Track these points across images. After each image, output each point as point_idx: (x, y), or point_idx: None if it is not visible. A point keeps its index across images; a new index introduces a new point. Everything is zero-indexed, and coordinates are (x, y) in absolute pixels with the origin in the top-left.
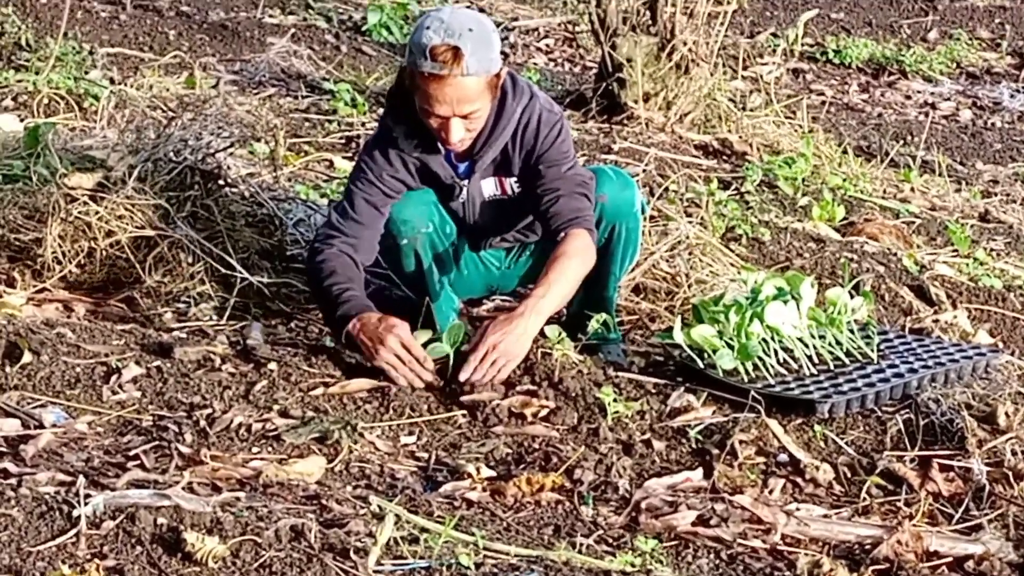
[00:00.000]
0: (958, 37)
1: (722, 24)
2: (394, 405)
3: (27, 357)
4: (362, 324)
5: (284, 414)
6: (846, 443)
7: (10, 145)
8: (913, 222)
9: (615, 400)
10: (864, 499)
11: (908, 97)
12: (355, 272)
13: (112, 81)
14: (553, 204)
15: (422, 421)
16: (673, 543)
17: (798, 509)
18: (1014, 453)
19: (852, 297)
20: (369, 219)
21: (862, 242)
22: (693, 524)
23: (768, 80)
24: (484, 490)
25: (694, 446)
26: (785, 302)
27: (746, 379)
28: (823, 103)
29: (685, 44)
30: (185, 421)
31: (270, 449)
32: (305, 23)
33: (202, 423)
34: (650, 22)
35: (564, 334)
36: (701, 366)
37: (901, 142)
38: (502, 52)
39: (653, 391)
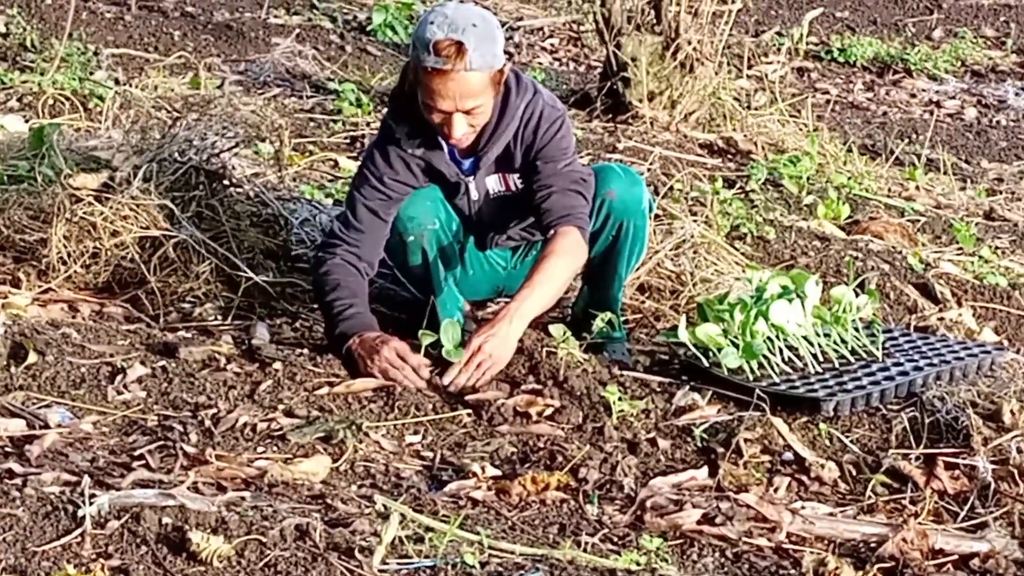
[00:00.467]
0: (963, 35)
1: (727, 23)
2: (399, 404)
3: (32, 357)
4: (360, 341)
5: (289, 414)
6: (851, 441)
7: (15, 146)
8: (918, 220)
9: (620, 399)
10: (869, 497)
11: (913, 95)
12: (359, 284)
13: (117, 82)
14: (546, 200)
15: (427, 420)
16: (678, 541)
17: (803, 507)
18: (1019, 451)
19: (857, 295)
20: (372, 226)
21: (867, 240)
22: (698, 523)
23: (773, 79)
24: (489, 489)
25: (699, 445)
26: (790, 300)
27: (751, 377)
28: (828, 102)
29: (690, 43)
30: (190, 421)
31: (275, 449)
32: (310, 23)
33: (207, 423)
34: (654, 21)
35: (569, 333)
36: (706, 365)
37: (906, 140)
38: (506, 51)
39: (658, 390)
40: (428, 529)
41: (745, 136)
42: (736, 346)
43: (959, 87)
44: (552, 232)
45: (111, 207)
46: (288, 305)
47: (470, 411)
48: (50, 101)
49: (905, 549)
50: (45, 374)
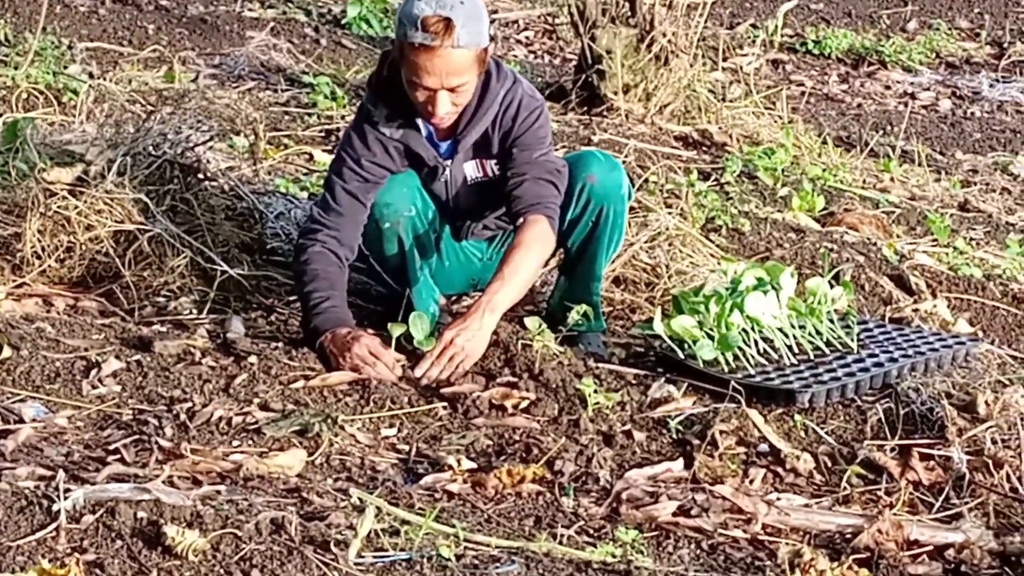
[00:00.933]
0: (937, 27)
1: (701, 15)
2: (374, 398)
3: (6, 352)
4: (332, 337)
5: (264, 407)
6: (826, 433)
7: None
8: (893, 212)
9: (595, 391)
10: (844, 488)
11: (888, 87)
12: (337, 274)
13: (91, 75)
14: (517, 187)
15: (402, 413)
16: (654, 533)
17: (779, 499)
18: (994, 442)
19: (832, 287)
20: (351, 209)
21: (842, 232)
22: (674, 514)
23: (748, 71)
24: (465, 482)
25: (675, 437)
26: (765, 292)
27: (726, 369)
28: (803, 93)
29: (665, 35)
30: (165, 415)
31: (250, 442)
32: (284, 17)
33: (182, 417)
34: (629, 14)
35: (544, 326)
36: (681, 357)
37: (881, 132)
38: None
39: (633, 382)
40: (404, 522)
41: (720, 128)
42: (711, 338)
43: (933, 79)
44: (521, 220)
45: (85, 201)
46: (263, 299)
47: (446, 404)
48: (24, 95)
49: (880, 540)
50: (19, 368)
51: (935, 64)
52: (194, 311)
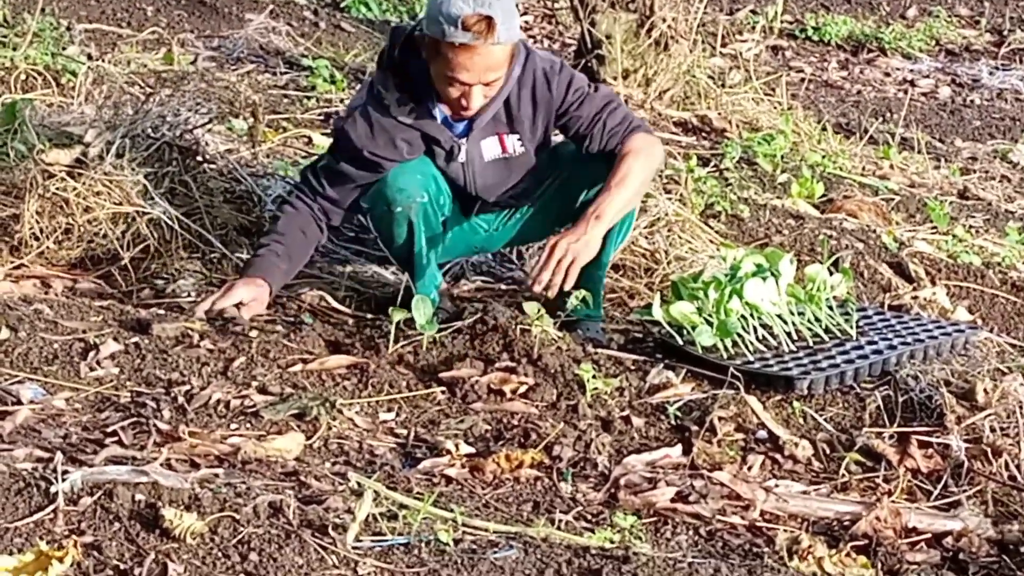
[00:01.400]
0: (937, 14)
1: (701, 1)
2: (373, 382)
3: (4, 333)
4: (240, 280)
5: (263, 390)
6: (825, 420)
7: None
8: (892, 199)
9: (594, 377)
10: (843, 475)
11: (887, 74)
12: (298, 242)
13: (90, 57)
14: (601, 130)
15: (401, 398)
16: (652, 519)
17: (777, 486)
18: (992, 430)
19: (831, 274)
20: (342, 194)
21: (841, 219)
22: (672, 500)
23: (747, 57)
24: (463, 467)
25: (673, 423)
26: (764, 279)
27: (725, 356)
28: (802, 80)
29: (664, 21)
30: (163, 397)
31: (248, 426)
32: None
33: (180, 399)
34: None
35: (543, 311)
36: (680, 343)
37: (880, 119)
38: None
39: (632, 368)
40: (402, 506)
41: (719, 114)
42: (710, 324)
43: (933, 66)
44: (620, 147)
45: (84, 183)
46: None
47: (444, 389)
48: (22, 76)
49: (878, 527)
50: (17, 350)
51: (935, 51)
52: (192, 294)
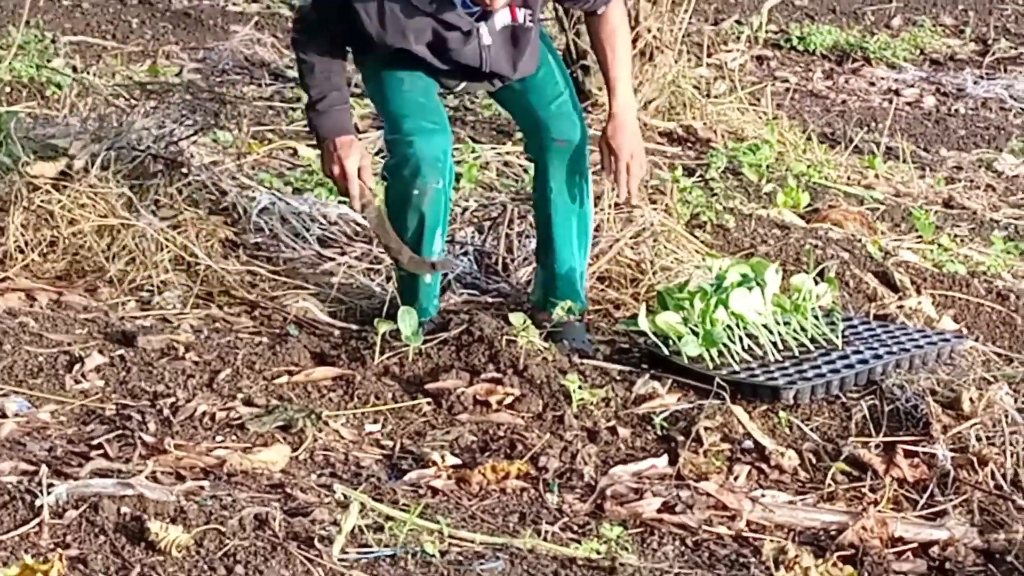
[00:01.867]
0: (922, 24)
1: (686, 11)
2: (358, 393)
3: None
4: (336, 142)
5: (248, 403)
6: (811, 429)
7: None
8: (877, 208)
9: (580, 387)
10: (829, 485)
11: (872, 84)
12: (339, 81)
13: (75, 69)
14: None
15: (387, 409)
16: (638, 530)
17: (763, 495)
18: (978, 439)
19: (816, 283)
20: (335, 50)
21: (826, 228)
22: (658, 511)
23: (732, 67)
24: (449, 478)
25: (659, 433)
26: (750, 289)
27: (711, 366)
28: (787, 90)
29: (649, 31)
30: (149, 410)
31: (234, 438)
32: (268, 11)
33: (166, 412)
34: None
35: (529, 321)
36: (666, 353)
37: (865, 129)
38: None
39: (618, 378)
40: (388, 518)
41: (705, 124)
42: (696, 334)
43: (918, 75)
44: (601, 10)
45: (69, 195)
46: (247, 294)
47: (430, 400)
48: (7, 88)
49: (865, 537)
50: (2, 363)
51: (919, 61)
52: (178, 306)
